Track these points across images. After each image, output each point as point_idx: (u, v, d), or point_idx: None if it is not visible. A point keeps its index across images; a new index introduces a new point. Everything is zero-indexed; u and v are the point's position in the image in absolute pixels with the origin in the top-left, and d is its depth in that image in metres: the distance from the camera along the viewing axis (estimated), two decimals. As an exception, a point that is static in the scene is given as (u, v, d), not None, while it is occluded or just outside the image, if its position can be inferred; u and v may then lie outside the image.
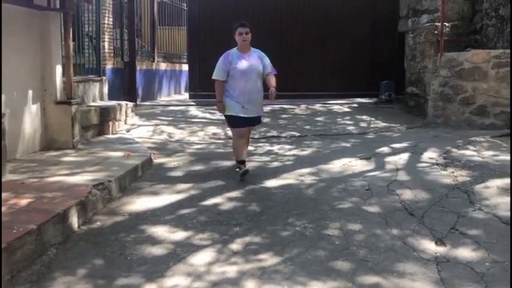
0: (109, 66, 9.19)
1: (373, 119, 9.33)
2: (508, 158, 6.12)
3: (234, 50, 5.51)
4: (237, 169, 5.58)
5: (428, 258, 3.44)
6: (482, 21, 8.79)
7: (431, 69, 8.85)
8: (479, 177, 5.28)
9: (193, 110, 9.77)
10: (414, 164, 6.01)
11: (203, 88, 10.28)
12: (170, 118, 8.92)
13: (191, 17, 10.44)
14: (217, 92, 5.51)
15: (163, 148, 7.02)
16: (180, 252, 3.58)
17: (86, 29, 8.38)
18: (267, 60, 5.59)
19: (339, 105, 10.91)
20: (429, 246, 3.65)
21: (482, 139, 7.21)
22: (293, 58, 11.00)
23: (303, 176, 5.60)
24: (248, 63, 5.41)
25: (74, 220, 3.96)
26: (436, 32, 8.93)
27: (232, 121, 5.57)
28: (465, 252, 3.54)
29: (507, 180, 5.13)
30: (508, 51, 7.81)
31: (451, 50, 8.64)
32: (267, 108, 10.13)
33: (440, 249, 3.59)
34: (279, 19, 10.84)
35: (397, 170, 5.74)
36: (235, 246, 3.69)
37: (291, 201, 4.70)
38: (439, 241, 3.74)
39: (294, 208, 4.50)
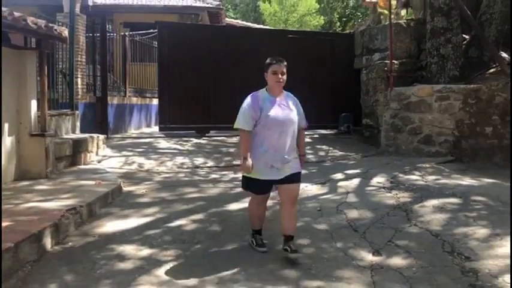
0: (82, 101, 9.53)
1: (331, 148, 9.87)
2: (447, 181, 6.70)
3: (263, 92, 4.12)
4: (252, 241, 4.36)
5: (364, 266, 3.89)
6: (426, 59, 9.52)
7: (383, 103, 9.49)
8: (418, 198, 5.80)
9: (163, 142, 10.14)
10: (363, 188, 6.50)
11: (172, 121, 10.67)
12: (140, 149, 9.26)
13: (161, 54, 10.91)
14: (242, 146, 4.06)
15: (132, 177, 7.34)
16: (146, 266, 3.92)
17: (60, 66, 8.75)
18: (301, 109, 4.24)
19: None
20: (367, 256, 4.10)
21: (427, 165, 7.79)
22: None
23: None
24: (284, 110, 4.04)
25: (48, 240, 4.26)
26: (386, 68, 9.62)
27: (253, 185, 4.16)
28: (397, 260, 3.99)
29: (443, 200, 5.66)
30: (449, 86, 8.50)
31: (400, 85, 9.29)
32: (231, 141, 10.59)
33: (376, 259, 4.05)
34: (247, 58, 11.30)
35: (348, 193, 6.22)
36: (195, 261, 4.05)
37: (249, 222, 5.09)
38: (376, 252, 4.19)
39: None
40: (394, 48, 9.67)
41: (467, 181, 6.77)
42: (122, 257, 4.12)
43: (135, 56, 13.14)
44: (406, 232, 4.68)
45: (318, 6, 33.01)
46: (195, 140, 10.33)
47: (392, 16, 9.87)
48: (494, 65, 8.78)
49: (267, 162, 4.01)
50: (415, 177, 7.02)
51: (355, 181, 6.89)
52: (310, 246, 4.38)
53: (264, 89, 4.15)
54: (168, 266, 3.92)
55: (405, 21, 10.28)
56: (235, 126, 4.07)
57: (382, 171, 7.48)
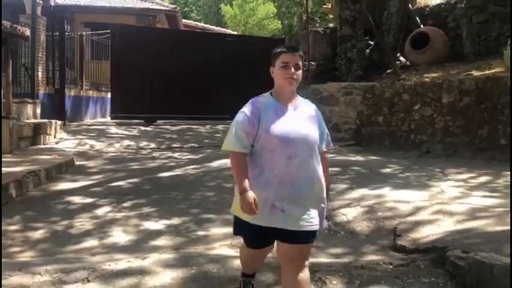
0: (42, 91, 10.52)
1: (259, 135, 11.22)
2: (340, 157, 8.14)
3: (266, 97, 2.62)
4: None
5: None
6: (339, 61, 11.00)
7: (303, 97, 10.89)
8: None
9: (113, 129, 11.24)
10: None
11: (122, 111, 11.82)
12: (93, 134, 10.33)
13: (113, 52, 12.01)
14: (236, 174, 2.53)
15: (84, 155, 8.44)
16: (87, 208, 5.15)
17: (23, 61, 9.75)
18: (324, 125, 2.76)
19: (237, 126, 12.77)
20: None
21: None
22: (205, 88, 12.66)
23: (189, 170, 7.28)
24: (297, 123, 2.55)
25: (13, 191, 5.39)
26: (305, 69, 11.04)
27: (245, 231, 2.64)
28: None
29: (335, 169, 7.07)
30: (352, 83, 9.99)
31: (318, 83, 10.71)
32: (174, 128, 11.79)
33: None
34: (191, 57, 12.50)
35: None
36: (126, 204, 5.30)
37: (175, 183, 6.35)
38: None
39: (175, 186, 6.15)
40: (313, 51, 11.11)
41: (355, 158, 8.22)
42: (69, 203, 5.32)
43: (92, 54, 14.12)
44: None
45: (276, 11, 33.78)
46: (142, 128, 11.47)
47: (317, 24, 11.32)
48: (391, 67, 10.31)
49: (267, 200, 2.43)
50: (317, 155, 8.43)
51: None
52: (214, 196, 5.68)
53: (269, 92, 2.61)
54: (104, 208, 5.16)
55: (322, 29, 11.74)
56: (223, 148, 2.57)
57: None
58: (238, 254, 3.29)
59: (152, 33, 12.83)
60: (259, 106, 2.54)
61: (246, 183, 2.44)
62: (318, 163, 2.56)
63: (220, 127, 12.27)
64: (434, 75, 8.75)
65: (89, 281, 3.18)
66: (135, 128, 11.33)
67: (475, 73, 7.97)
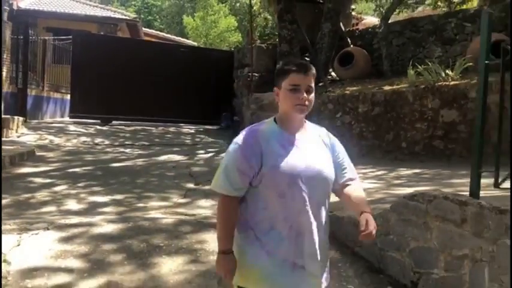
0: (5, 90, 11.13)
1: (207, 137, 12.20)
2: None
3: (269, 125, 2.00)
4: None
5: (186, 188, 6.19)
6: (279, 73, 12.15)
7: (246, 105, 11.98)
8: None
9: (71, 127, 11.94)
10: (213, 158, 8.86)
11: (81, 111, 12.56)
12: (52, 131, 11.02)
13: (74, 57, 12.74)
14: (220, 224, 1.96)
15: (44, 148, 9.16)
16: (47, 185, 5.99)
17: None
18: (342, 150, 2.11)
19: (188, 129, 13.70)
20: (190, 185, 6.42)
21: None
22: (159, 93, 13.53)
23: (138, 162, 8.18)
24: (307, 155, 1.94)
25: (-19, 172, 6.16)
26: (249, 79, 12.15)
27: None
28: (207, 187, 6.33)
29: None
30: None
31: (259, 92, 11.82)
32: (129, 128, 12.61)
33: (195, 186, 6.37)
34: (146, 65, 13.34)
35: (200, 160, 8.56)
36: (80, 184, 6.17)
37: (123, 171, 7.25)
38: (196, 184, 6.52)
39: (124, 173, 7.05)
40: (257, 64, 12.24)
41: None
42: (31, 182, 6.16)
43: (54, 57, 14.75)
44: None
45: (237, 24, 34.68)
46: (98, 127, 12.22)
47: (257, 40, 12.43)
48: (322, 81, 11.53)
49: (286, 259, 1.89)
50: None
51: (210, 154, 9.26)
52: (157, 181, 6.63)
53: (272, 118, 2.03)
54: (61, 187, 6.02)
55: (266, 44, 12.90)
56: (212, 186, 1.98)
57: (233, 150, 9.90)
58: (168, 217, 4.31)
59: (111, 42, 13.64)
60: (260, 137, 1.88)
61: (230, 240, 1.89)
62: (328, 206, 1.97)
63: (171, 129, 13.18)
64: (354, 88, 10.01)
65: (48, 229, 4.09)
66: (92, 127, 12.06)
67: (386, 87, 9.27)
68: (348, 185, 2.04)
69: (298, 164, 1.87)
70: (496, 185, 3.32)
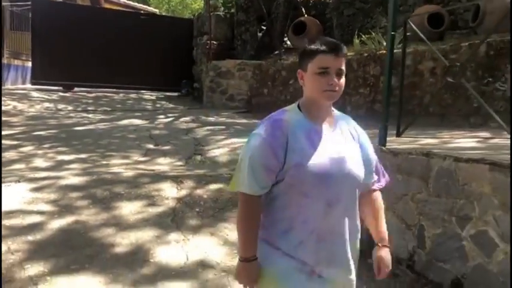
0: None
1: (167, 103, 12.59)
2: (229, 120, 9.75)
3: (293, 113, 1.71)
4: None
5: (147, 148, 6.67)
6: (236, 42, 12.58)
7: (205, 72, 12.37)
8: (201, 126, 8.76)
9: (34, 93, 12.08)
10: (172, 122, 9.32)
11: (42, 78, 12.67)
12: (15, 97, 11.14)
13: (34, 24, 12.73)
14: (243, 228, 1.69)
15: (7, 113, 9.37)
16: (14, 147, 6.34)
17: None
18: (371, 146, 1.83)
19: (149, 95, 14.01)
20: (150, 146, 6.89)
21: (226, 113, 10.83)
22: (120, 60, 13.70)
23: (101, 126, 8.55)
24: (336, 151, 1.68)
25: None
26: (207, 47, 12.50)
27: None
28: (166, 147, 6.83)
29: (214, 127, 8.66)
30: (245, 61, 11.62)
31: (218, 60, 12.22)
32: (91, 95, 12.84)
33: (155, 147, 6.85)
34: (106, 31, 13.45)
35: (160, 124, 9.01)
36: (46, 145, 6.55)
37: (87, 134, 7.63)
38: (156, 144, 7.00)
39: (87, 136, 7.44)
40: (215, 32, 12.59)
41: (241, 121, 9.88)
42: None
43: (13, 25, 14.60)
44: (181, 138, 7.57)
45: None
46: (61, 94, 12.40)
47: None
48: (278, 49, 12.02)
49: (304, 266, 1.67)
50: (211, 118, 9.98)
51: (170, 119, 9.70)
52: (118, 143, 7.06)
53: (295, 104, 1.76)
54: (28, 147, 6.39)
55: (223, 13, 13.23)
56: (231, 187, 1.74)
57: (193, 115, 10.35)
58: (128, 171, 4.82)
59: (71, 9, 13.62)
60: (285, 128, 1.64)
61: (255, 245, 1.65)
62: (357, 206, 1.74)
63: (132, 95, 13.47)
64: (306, 56, 10.57)
65: (19, 182, 4.53)
66: (54, 94, 12.23)
67: (334, 56, 9.87)
68: (373, 190, 1.81)
69: (326, 161, 1.62)
70: (398, 135, 3.99)
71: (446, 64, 5.22)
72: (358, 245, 1.76)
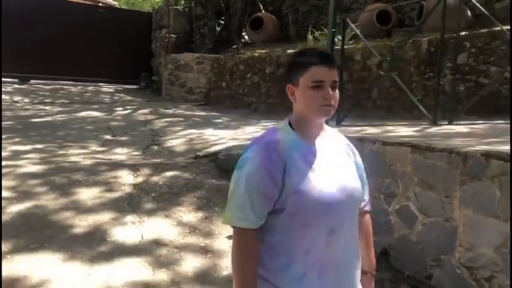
0: None
1: (125, 95, 12.63)
2: (188, 112, 9.93)
3: (286, 132, 1.55)
4: None
5: (105, 139, 6.80)
6: (195, 35, 12.75)
7: (164, 65, 12.48)
8: (159, 117, 8.92)
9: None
10: (131, 114, 9.43)
11: (-3, 70, 12.45)
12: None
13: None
14: (240, 266, 1.50)
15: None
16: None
17: None
18: (361, 163, 1.70)
19: (107, 88, 13.98)
20: (108, 137, 7.02)
21: (184, 106, 11.00)
22: (78, 53, 13.54)
23: (58, 117, 8.58)
24: (335, 172, 1.55)
25: None
26: (166, 40, 12.61)
27: None
28: (124, 138, 6.98)
29: (172, 118, 8.84)
30: (204, 55, 11.81)
31: (176, 52, 12.34)
32: (48, 87, 12.71)
33: (112, 138, 6.99)
34: (67, 25, 13.30)
35: (119, 116, 9.10)
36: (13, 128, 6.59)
37: (44, 125, 7.67)
38: (114, 135, 7.14)
39: (44, 127, 7.48)
40: (174, 26, 12.71)
41: (200, 113, 10.09)
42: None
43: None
44: (139, 129, 7.72)
45: None
46: (16, 86, 12.22)
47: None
48: (235, 43, 12.27)
49: None
50: (169, 111, 10.14)
51: (128, 111, 9.80)
52: (76, 134, 7.16)
53: (286, 122, 1.61)
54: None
55: (182, 7, 13.35)
56: (225, 221, 1.54)
57: (151, 107, 10.47)
58: (86, 160, 4.99)
59: (28, 1, 13.37)
60: (281, 150, 1.48)
61: (255, 286, 1.48)
62: (357, 229, 1.62)
63: (91, 88, 13.42)
64: (262, 51, 10.89)
65: (-24, 170, 4.61)
66: (10, 86, 12.04)
67: (289, 51, 10.22)
68: (365, 212, 1.70)
69: (327, 185, 1.48)
70: (337, 123, 4.35)
71: (379, 59, 5.62)
72: (359, 267, 1.60)
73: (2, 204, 3.87)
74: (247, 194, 1.45)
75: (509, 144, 2.77)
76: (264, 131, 1.59)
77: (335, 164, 1.54)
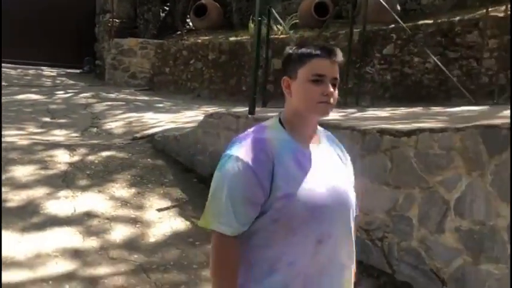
0: None
1: (68, 80, 12.46)
2: (130, 97, 10.00)
3: (276, 131, 1.42)
4: None
5: (43, 121, 6.81)
6: (139, 21, 12.73)
7: (107, 49, 12.40)
8: (100, 101, 8.94)
9: None
10: (71, 97, 9.40)
11: None
12: None
13: None
14: (218, 275, 1.37)
15: None
16: None
17: None
18: (351, 166, 1.58)
19: (49, 72, 13.71)
20: (46, 119, 7.03)
21: (127, 91, 11.02)
22: (18, 35, 13.18)
23: (12, 99, 8.40)
24: (328, 176, 1.41)
25: None
26: (109, 25, 12.52)
27: None
28: (63, 121, 7.01)
29: (114, 102, 8.90)
30: (148, 40, 11.85)
31: (120, 37, 12.27)
32: (19, 71, 12.32)
33: (51, 120, 7.01)
34: (7, 5, 12.84)
35: (59, 99, 9.06)
36: None
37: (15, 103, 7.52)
38: (53, 118, 7.16)
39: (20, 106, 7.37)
40: (118, 10, 12.63)
41: (142, 98, 10.17)
42: None
43: None
44: (79, 112, 7.77)
45: None
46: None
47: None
48: (179, 29, 12.37)
49: None
50: (111, 95, 10.14)
51: (69, 95, 9.75)
52: (15, 116, 7.12)
53: (276, 119, 1.47)
54: None
55: (126, -9, 13.29)
56: (203, 224, 1.40)
57: (93, 91, 10.42)
58: (23, 141, 5.08)
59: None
60: (269, 150, 1.35)
61: None
62: (353, 238, 1.47)
63: (31, 72, 13.14)
64: (205, 38, 11.08)
65: None
66: None
67: (231, 38, 10.48)
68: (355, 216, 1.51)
69: (319, 191, 1.36)
70: (263, 105, 4.69)
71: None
72: (351, 276, 1.47)
73: None
74: (229, 199, 1.31)
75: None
76: (251, 128, 1.44)
77: (328, 169, 1.41)
